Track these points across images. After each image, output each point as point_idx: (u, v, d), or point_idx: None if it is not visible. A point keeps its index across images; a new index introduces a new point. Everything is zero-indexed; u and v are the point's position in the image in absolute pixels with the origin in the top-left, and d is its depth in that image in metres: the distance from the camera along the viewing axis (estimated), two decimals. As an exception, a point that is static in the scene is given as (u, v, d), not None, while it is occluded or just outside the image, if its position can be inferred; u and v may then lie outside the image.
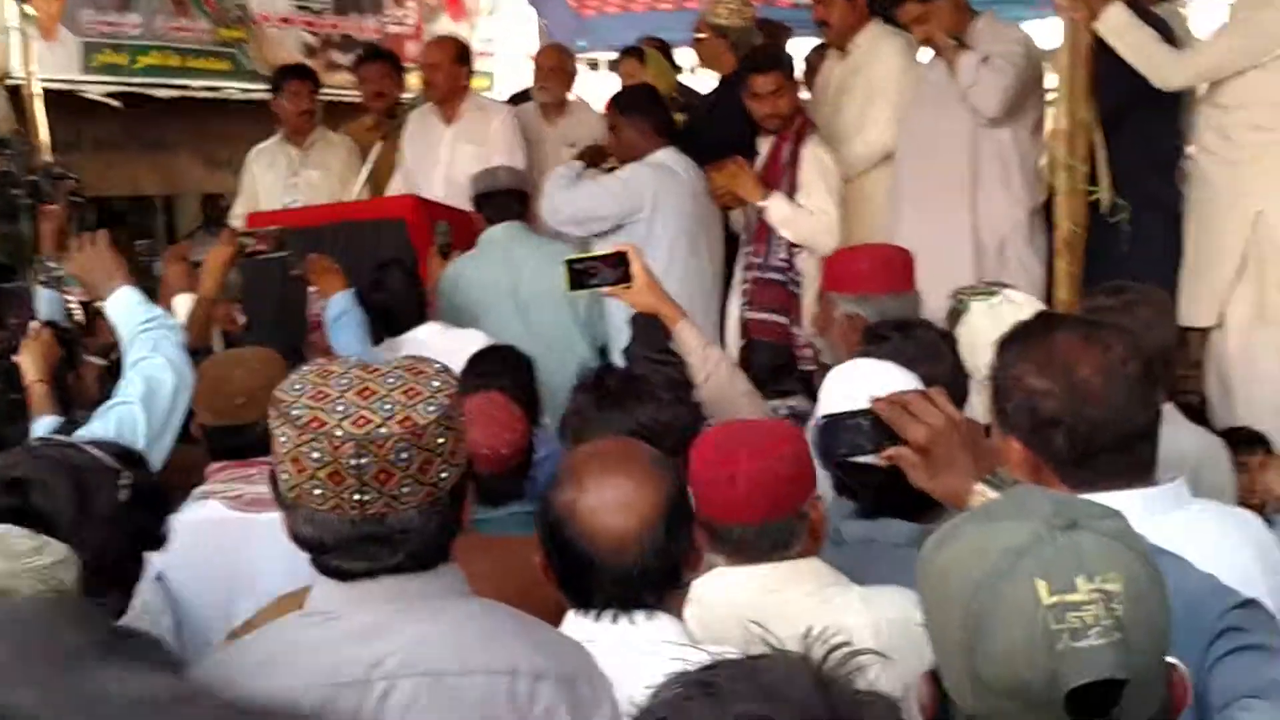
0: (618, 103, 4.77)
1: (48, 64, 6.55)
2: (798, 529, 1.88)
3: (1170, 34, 4.17)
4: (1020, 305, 2.93)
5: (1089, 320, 1.69)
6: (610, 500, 1.67)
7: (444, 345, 4.03)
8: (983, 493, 1.56)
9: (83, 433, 2.38)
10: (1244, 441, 3.30)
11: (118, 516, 1.86)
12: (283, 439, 1.44)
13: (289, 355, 4.34)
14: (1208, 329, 4.12)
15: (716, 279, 4.65)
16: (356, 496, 1.42)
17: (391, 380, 1.44)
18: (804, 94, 5.00)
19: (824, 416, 1.79)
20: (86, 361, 4.30)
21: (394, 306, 4.21)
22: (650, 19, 7.88)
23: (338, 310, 3.88)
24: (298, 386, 1.44)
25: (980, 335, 2.64)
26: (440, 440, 1.45)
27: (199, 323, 3.59)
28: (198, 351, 3.47)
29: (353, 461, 1.40)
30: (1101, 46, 3.99)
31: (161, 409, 2.51)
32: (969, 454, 1.61)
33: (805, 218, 4.39)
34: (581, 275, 2.72)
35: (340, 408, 1.40)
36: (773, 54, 4.77)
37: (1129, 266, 4.07)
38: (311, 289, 4.30)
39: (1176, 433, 2.55)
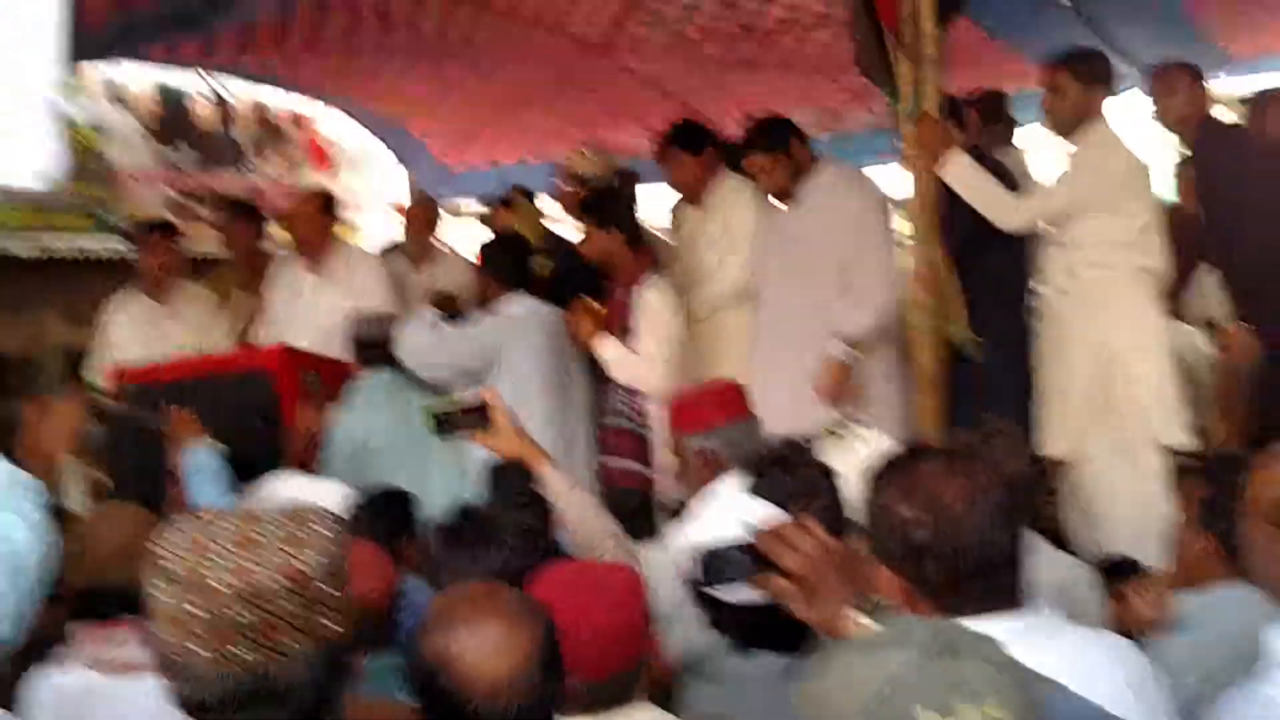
0: (480, 252, 4.86)
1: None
2: (635, 682, 1.88)
3: (1009, 177, 4.41)
4: (868, 440, 3.05)
5: (952, 451, 1.76)
6: (483, 645, 1.65)
7: (302, 491, 4.01)
8: (857, 620, 1.59)
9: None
10: (1116, 568, 3.39)
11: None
12: (160, 596, 1.39)
13: (154, 512, 4.28)
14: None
15: (582, 422, 4.64)
16: (240, 653, 1.37)
17: (274, 529, 1.41)
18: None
19: (698, 549, 1.81)
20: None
21: (254, 456, 4.13)
22: (516, 171, 8.04)
23: (195, 464, 3.79)
24: (175, 540, 1.40)
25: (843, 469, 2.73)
26: (327, 589, 1.42)
27: (49, 481, 3.46)
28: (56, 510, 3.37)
29: (236, 616, 1.36)
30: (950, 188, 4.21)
31: (24, 576, 2.39)
32: (845, 582, 1.64)
33: (631, 361, 4.47)
34: (444, 423, 2.73)
35: (221, 560, 1.36)
36: (588, 203, 4.87)
37: (987, 400, 4.22)
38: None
39: (1040, 560, 2.63)
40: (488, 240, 5.06)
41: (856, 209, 4.51)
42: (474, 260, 4.93)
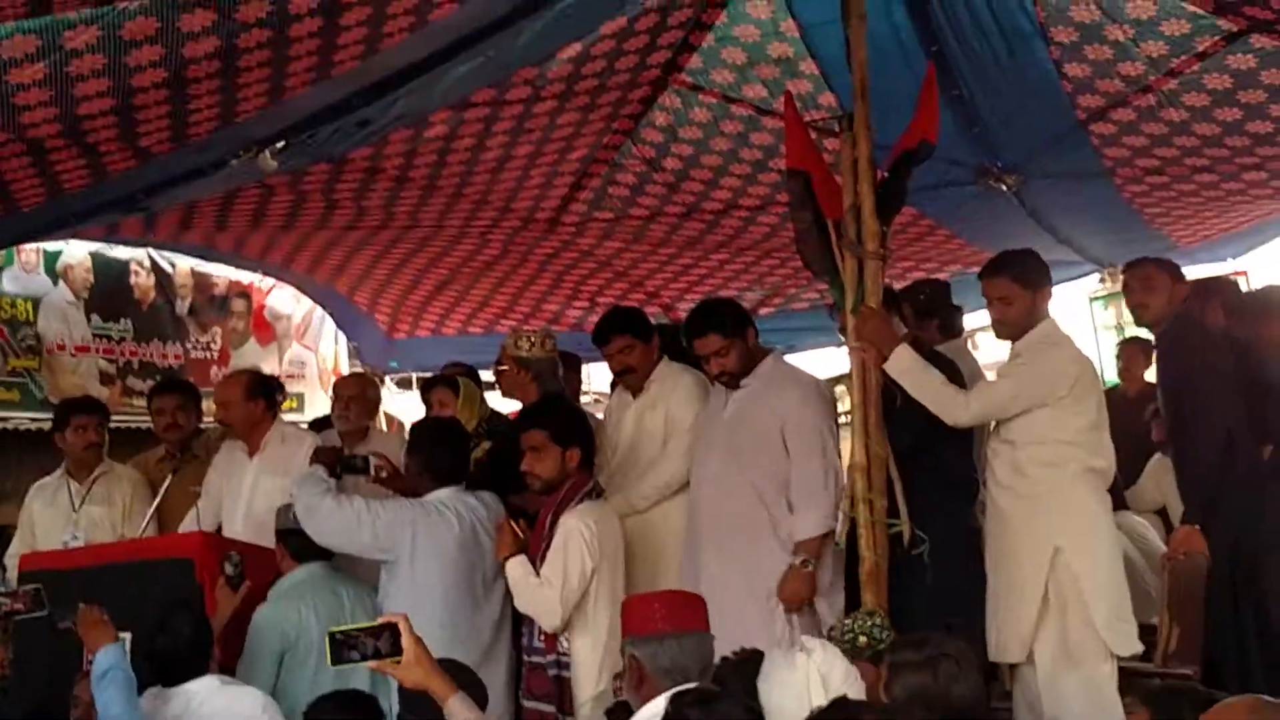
0: (411, 436, 4.72)
1: None
2: None
3: (956, 371, 4.36)
4: (815, 653, 2.91)
5: (884, 709, 1.62)
6: None
7: (219, 703, 3.80)
8: None
9: None
10: None
11: None
12: None
13: (59, 713, 4.04)
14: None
15: (504, 641, 4.41)
16: None
17: None
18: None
19: None
20: None
21: (176, 654, 3.91)
22: (460, 342, 8.00)
23: (103, 667, 3.58)
24: None
25: (780, 694, 2.58)
26: None
27: None
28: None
29: None
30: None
31: None
32: None
33: (532, 586, 4.17)
34: (343, 647, 2.58)
35: None
36: (551, 419, 4.45)
37: (934, 598, 4.11)
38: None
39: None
40: (420, 423, 4.92)
41: (796, 406, 4.41)
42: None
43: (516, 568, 4.21)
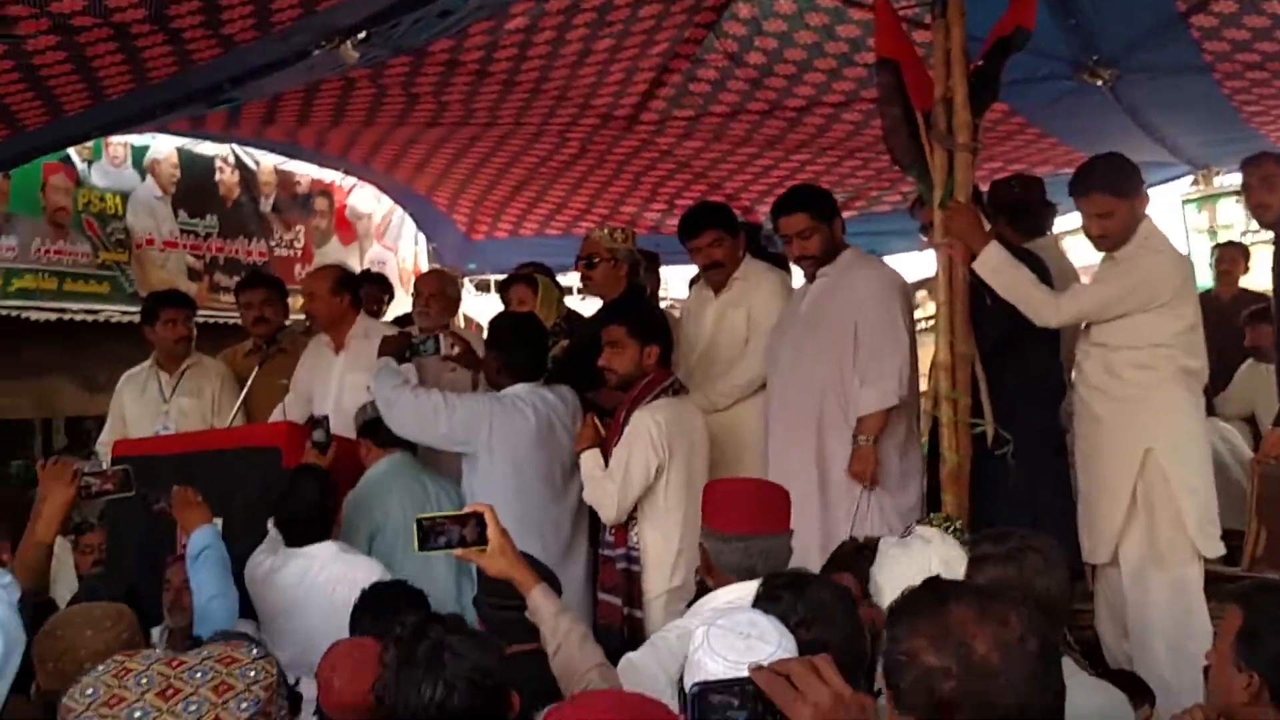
0: (490, 329, 4.75)
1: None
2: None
3: (1045, 271, 4.25)
4: (934, 542, 2.86)
5: (984, 590, 1.59)
6: None
7: (337, 569, 3.95)
8: None
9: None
10: (1128, 690, 3.15)
11: None
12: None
13: (152, 595, 4.17)
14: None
15: (575, 525, 4.46)
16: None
17: (200, 675, 1.28)
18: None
19: (696, 684, 1.60)
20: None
21: (301, 517, 4.06)
22: (538, 244, 7.99)
23: (198, 546, 3.68)
24: (89, 691, 1.27)
25: (899, 577, 2.53)
26: None
27: (33, 569, 3.33)
28: (37, 595, 3.24)
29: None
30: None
31: None
32: None
33: (596, 479, 4.20)
34: (430, 534, 2.60)
35: (139, 714, 1.23)
36: (631, 315, 4.50)
37: (1017, 501, 4.06)
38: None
39: (1075, 689, 2.44)
40: (498, 318, 4.92)
41: (872, 291, 4.36)
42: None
43: (588, 460, 4.24)
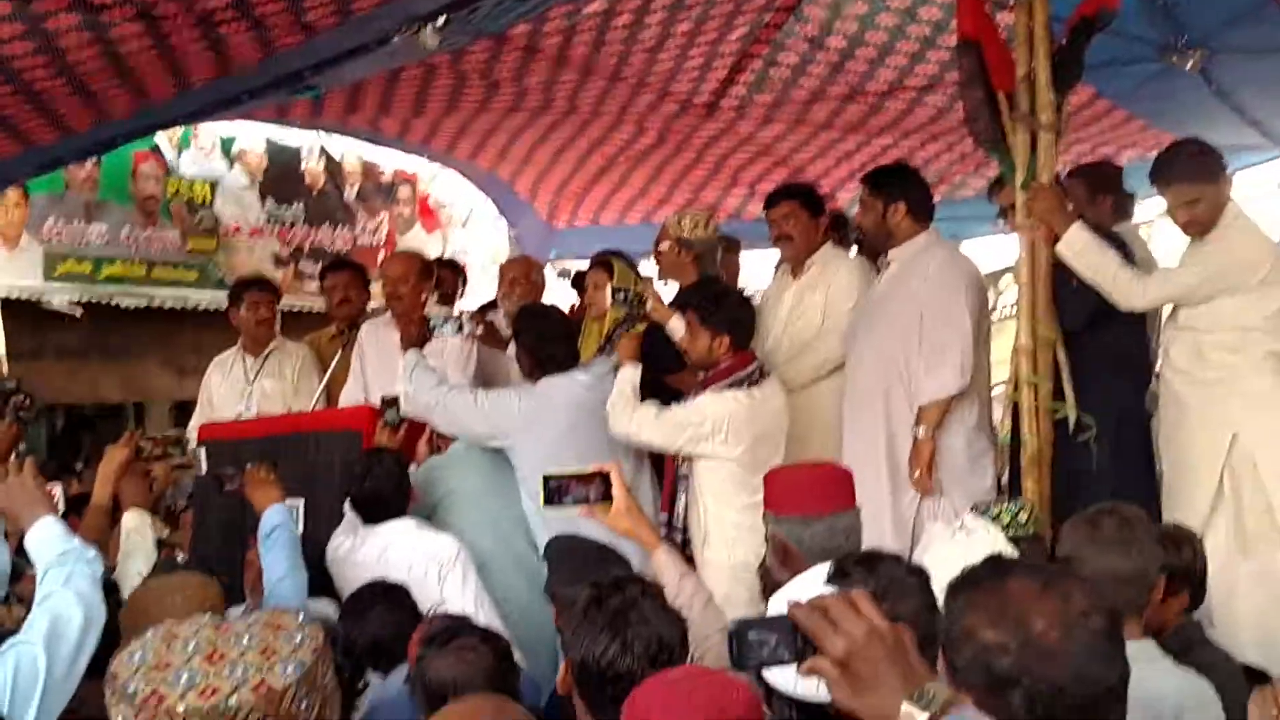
0: (515, 323, 4.77)
1: (9, 272, 6.57)
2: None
3: (1130, 254, 4.16)
4: (976, 533, 2.80)
5: (1044, 568, 1.55)
6: None
7: (415, 542, 4.00)
8: (910, 714, 1.38)
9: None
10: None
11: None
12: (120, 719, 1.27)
13: (230, 575, 4.25)
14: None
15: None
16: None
17: (246, 639, 1.30)
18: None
19: (735, 621, 1.58)
20: (28, 575, 4.12)
21: (380, 494, 4.11)
22: (619, 232, 7.99)
23: (270, 525, 3.71)
24: (137, 656, 1.29)
25: (944, 567, 2.50)
26: (302, 704, 1.29)
27: (91, 530, 3.40)
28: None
29: (199, 741, 1.23)
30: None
31: (67, 650, 2.33)
32: (898, 669, 1.41)
33: (629, 399, 4.23)
34: (557, 491, 2.63)
35: (185, 677, 1.24)
36: (702, 302, 4.40)
37: (1100, 486, 3.98)
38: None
39: (1155, 673, 2.39)
40: (522, 311, 4.90)
41: (940, 278, 4.29)
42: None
43: (626, 375, 4.27)
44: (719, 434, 4.07)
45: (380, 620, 3.38)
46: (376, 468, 4.14)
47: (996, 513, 3.18)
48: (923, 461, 4.17)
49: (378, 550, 4.00)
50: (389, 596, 3.49)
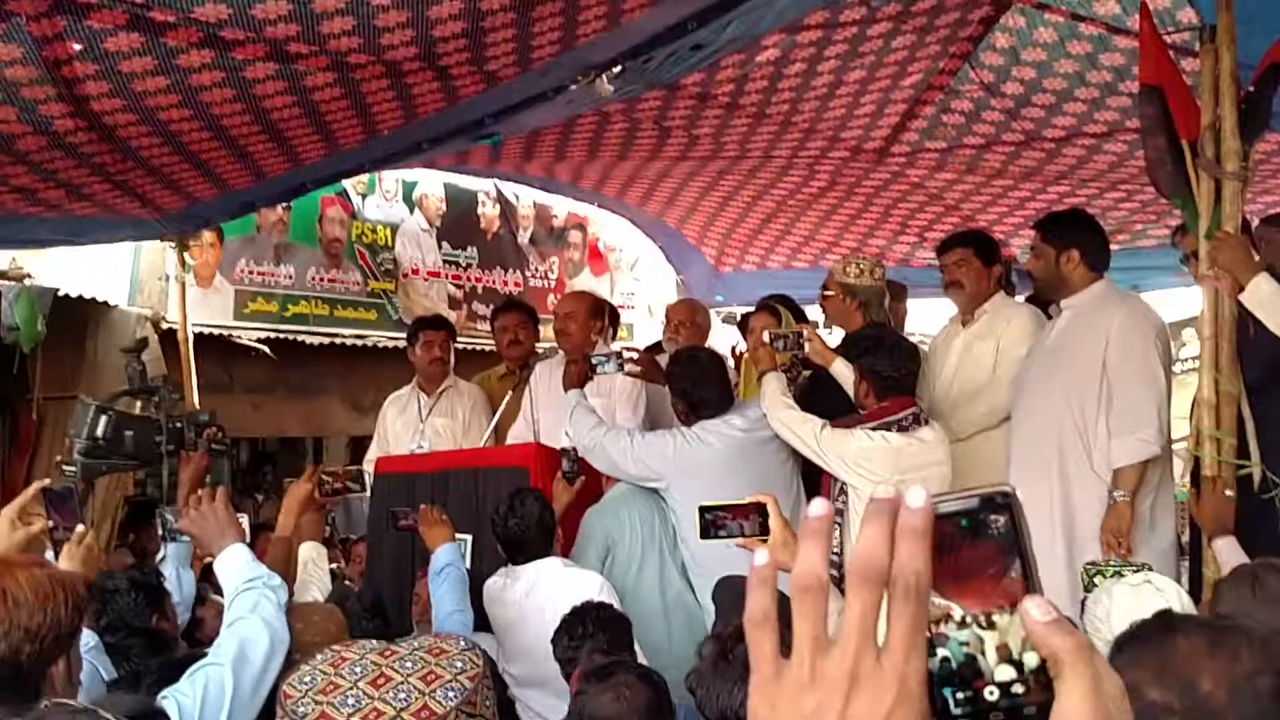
0: (669, 368, 4.80)
1: (202, 310, 6.92)
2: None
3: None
4: (1163, 592, 2.70)
5: (1214, 624, 1.50)
6: None
7: (561, 581, 4.03)
8: None
9: (170, 690, 2.34)
10: None
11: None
12: (289, 742, 1.34)
13: (402, 603, 4.38)
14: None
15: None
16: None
17: (410, 664, 1.34)
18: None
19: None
20: (210, 601, 4.32)
21: (525, 535, 4.15)
22: (784, 277, 7.99)
23: (441, 563, 3.84)
24: (307, 679, 1.35)
25: (1122, 616, 2.41)
26: None
27: (273, 560, 3.55)
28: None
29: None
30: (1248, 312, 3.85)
31: (253, 672, 2.45)
32: None
33: (782, 406, 4.32)
34: (712, 525, 2.64)
35: (351, 701, 1.29)
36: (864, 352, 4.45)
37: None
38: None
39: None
40: (677, 355, 4.93)
41: (1124, 328, 4.16)
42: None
43: (772, 381, 4.34)
44: (860, 467, 4.10)
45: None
46: (519, 508, 4.18)
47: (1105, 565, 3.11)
48: (1124, 526, 4.03)
49: (525, 589, 4.04)
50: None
